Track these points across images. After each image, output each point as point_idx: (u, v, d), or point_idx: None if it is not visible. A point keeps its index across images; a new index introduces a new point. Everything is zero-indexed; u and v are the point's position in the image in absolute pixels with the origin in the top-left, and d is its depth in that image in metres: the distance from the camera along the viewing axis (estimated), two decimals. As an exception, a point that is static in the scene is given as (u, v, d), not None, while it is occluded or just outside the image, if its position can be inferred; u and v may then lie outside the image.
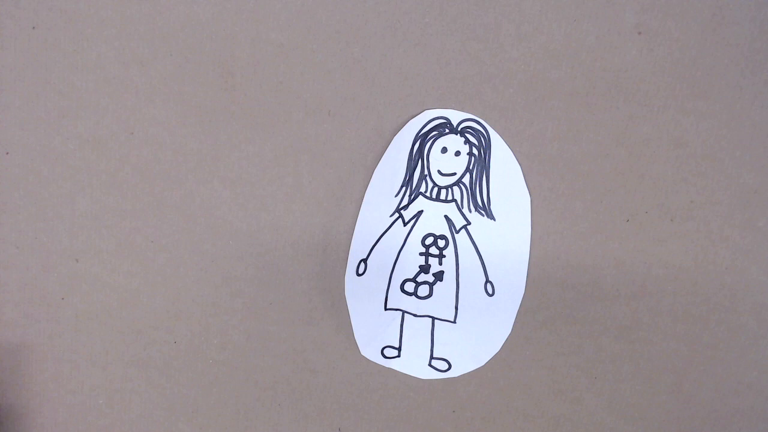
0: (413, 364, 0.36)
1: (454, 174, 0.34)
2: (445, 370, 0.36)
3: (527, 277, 0.34)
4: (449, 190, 0.34)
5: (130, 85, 0.33)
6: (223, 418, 0.39)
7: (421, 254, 0.35)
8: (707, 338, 0.35)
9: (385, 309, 0.36)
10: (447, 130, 0.33)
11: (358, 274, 0.35)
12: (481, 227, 0.34)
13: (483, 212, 0.34)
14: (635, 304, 0.35)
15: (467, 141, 0.33)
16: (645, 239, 0.33)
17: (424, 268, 0.35)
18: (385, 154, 0.34)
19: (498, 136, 0.33)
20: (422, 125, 0.33)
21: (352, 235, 0.35)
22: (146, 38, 0.33)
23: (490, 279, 0.35)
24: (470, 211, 0.34)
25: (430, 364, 0.36)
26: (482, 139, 0.33)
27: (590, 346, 0.35)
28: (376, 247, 0.35)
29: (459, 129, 0.33)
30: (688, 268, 0.34)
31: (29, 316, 0.38)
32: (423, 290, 0.35)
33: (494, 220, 0.34)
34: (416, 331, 0.36)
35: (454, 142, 0.33)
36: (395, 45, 0.32)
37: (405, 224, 0.35)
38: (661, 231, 0.33)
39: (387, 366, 0.37)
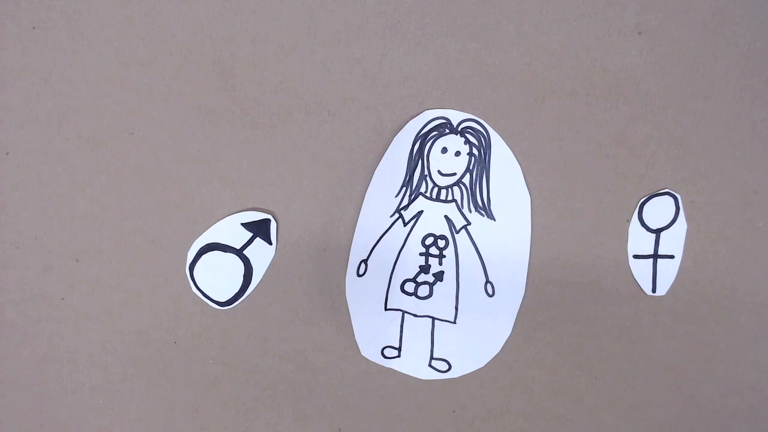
0: (413, 365, 0.36)
1: (454, 174, 0.34)
2: (445, 371, 0.36)
3: (527, 277, 0.34)
4: (449, 190, 0.34)
5: (130, 85, 0.33)
6: (223, 418, 0.39)
7: (421, 254, 0.35)
8: (707, 338, 0.35)
9: (386, 309, 0.36)
10: (447, 131, 0.33)
11: (359, 275, 0.35)
12: (481, 227, 0.34)
13: (483, 212, 0.34)
14: (635, 304, 0.35)
15: (467, 141, 0.33)
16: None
17: (424, 269, 0.35)
18: (385, 154, 0.34)
19: (498, 136, 0.33)
20: (422, 125, 0.33)
21: (353, 235, 0.35)
22: (146, 38, 0.33)
23: (490, 279, 0.35)
24: (470, 211, 0.34)
25: (430, 365, 0.36)
26: (482, 139, 0.33)
27: (590, 346, 0.35)
28: (376, 247, 0.35)
29: (459, 129, 0.33)
30: (688, 268, 0.34)
31: (29, 316, 0.38)
32: (423, 290, 0.35)
33: (494, 220, 0.34)
34: (416, 332, 0.36)
35: (454, 142, 0.33)
36: (395, 45, 0.32)
37: (405, 224, 0.35)
38: (661, 231, 0.33)
39: (387, 366, 0.37)
